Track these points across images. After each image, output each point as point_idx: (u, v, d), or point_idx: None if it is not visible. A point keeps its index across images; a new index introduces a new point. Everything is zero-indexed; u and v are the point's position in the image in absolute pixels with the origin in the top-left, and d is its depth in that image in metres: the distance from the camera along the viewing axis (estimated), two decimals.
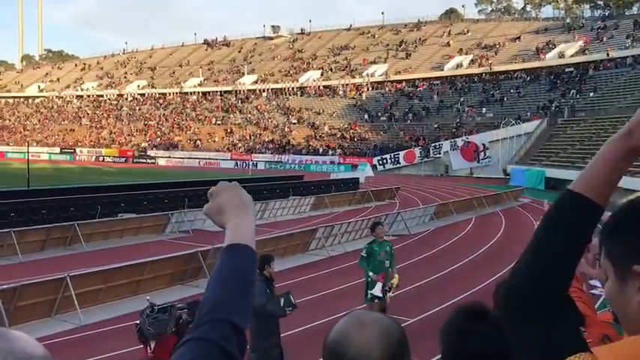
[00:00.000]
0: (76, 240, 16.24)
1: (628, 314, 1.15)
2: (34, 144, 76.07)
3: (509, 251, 16.87)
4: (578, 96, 53.97)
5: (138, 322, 5.47)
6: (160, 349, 5.43)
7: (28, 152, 38.39)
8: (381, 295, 8.92)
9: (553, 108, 53.09)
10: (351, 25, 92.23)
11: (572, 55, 60.87)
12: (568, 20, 71.38)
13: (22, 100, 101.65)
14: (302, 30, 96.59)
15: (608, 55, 56.62)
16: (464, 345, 1.63)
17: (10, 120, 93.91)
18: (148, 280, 11.65)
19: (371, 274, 8.96)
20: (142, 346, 5.62)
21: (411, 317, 10.21)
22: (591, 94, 52.89)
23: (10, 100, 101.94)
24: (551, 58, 62.13)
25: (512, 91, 60.53)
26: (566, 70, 59.44)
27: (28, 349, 0.88)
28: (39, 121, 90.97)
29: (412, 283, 12.84)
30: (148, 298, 5.95)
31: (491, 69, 64.77)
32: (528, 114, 53.94)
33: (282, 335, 6.70)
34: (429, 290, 12.44)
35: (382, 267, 8.99)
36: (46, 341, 8.80)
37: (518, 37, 70.35)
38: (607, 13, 72.81)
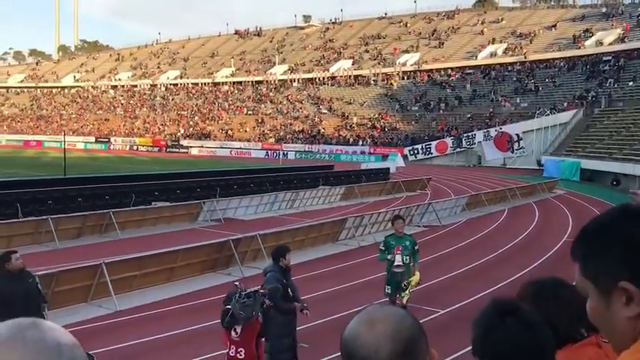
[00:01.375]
0: (111, 228, 16.58)
1: (615, 330, 1.13)
2: (70, 133, 77.62)
3: (542, 243, 16.63)
4: (616, 85, 52.59)
5: (228, 306, 5.66)
6: (247, 333, 5.75)
7: (64, 141, 39.19)
8: (401, 264, 8.85)
9: (590, 98, 51.86)
10: (383, 15, 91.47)
11: (610, 44, 59.29)
12: (606, 8, 69.41)
13: (58, 90, 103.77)
14: (334, 19, 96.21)
15: None
16: (491, 340, 1.61)
17: (47, 110, 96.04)
18: (180, 267, 11.83)
19: (389, 256, 8.95)
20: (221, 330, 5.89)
21: (442, 309, 10.15)
22: (630, 83, 51.49)
23: (47, 90, 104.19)
24: (588, 47, 60.63)
25: (547, 80, 59.31)
26: (604, 58, 57.93)
27: (58, 337, 0.93)
28: (75, 110, 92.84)
29: (443, 275, 12.76)
30: (236, 283, 6.14)
31: (525, 58, 63.53)
32: (564, 104, 52.83)
33: (312, 325, 6.73)
34: (459, 282, 12.34)
35: (391, 262, 8.97)
36: (81, 326, 9.04)
37: (554, 25, 68.80)
38: None
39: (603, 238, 1.14)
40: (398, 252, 8.89)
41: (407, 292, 8.92)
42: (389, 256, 8.95)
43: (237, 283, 6.07)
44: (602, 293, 1.13)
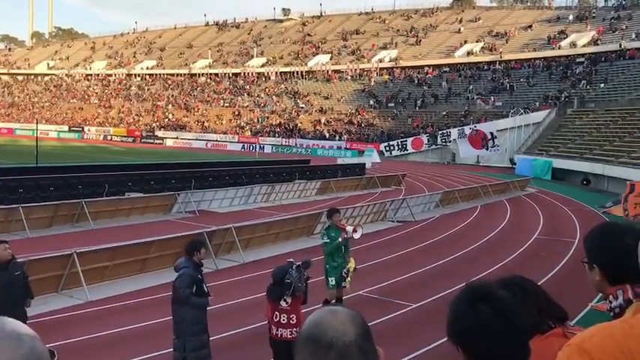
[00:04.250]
0: (83, 217, 16.39)
1: None
2: (43, 121, 76.28)
3: (514, 240, 16.92)
4: (588, 87, 53.54)
5: (288, 280, 6.55)
6: (296, 303, 6.67)
7: (37, 130, 38.58)
8: (359, 236, 9.14)
9: (563, 98, 52.73)
10: (362, 10, 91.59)
11: (584, 46, 60.31)
12: (579, 11, 70.53)
13: (31, 77, 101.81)
14: (313, 13, 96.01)
15: (620, 46, 56.06)
16: (461, 325, 1.62)
17: (19, 97, 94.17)
18: (153, 258, 11.77)
19: (348, 228, 9.09)
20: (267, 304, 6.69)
21: (414, 303, 10.29)
22: (602, 85, 52.47)
23: (20, 77, 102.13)
24: (562, 48, 61.59)
25: (522, 80, 60.11)
26: (578, 60, 58.92)
27: (18, 328, 1.00)
28: (48, 99, 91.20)
29: (415, 270, 12.91)
30: (290, 259, 6.91)
31: (501, 57, 64.28)
32: (537, 104, 53.63)
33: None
34: (431, 277, 12.50)
35: (340, 252, 9.11)
36: (52, 316, 8.96)
37: (530, 26, 69.70)
38: (621, 3, 71.89)
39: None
40: (344, 235, 9.04)
41: (348, 279, 9.10)
42: (347, 235, 9.04)
43: (291, 260, 6.90)
44: None
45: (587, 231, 2.16)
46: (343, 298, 9.33)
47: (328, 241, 9.05)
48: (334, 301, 9.11)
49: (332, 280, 9.05)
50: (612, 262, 1.93)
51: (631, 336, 1.45)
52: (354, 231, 9.10)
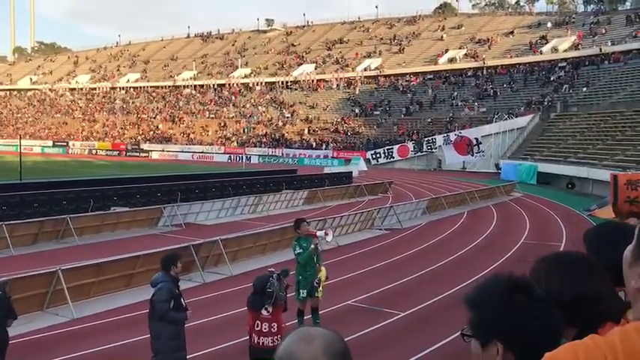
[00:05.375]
0: (68, 233, 16.21)
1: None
2: (27, 137, 75.64)
3: (501, 245, 16.99)
4: (570, 91, 54.13)
5: (269, 289, 6.69)
6: (276, 312, 6.79)
7: (20, 145, 38.18)
8: (331, 239, 9.49)
9: (546, 103, 53.26)
10: (345, 20, 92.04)
11: (565, 50, 61.03)
12: (559, 16, 71.45)
13: (14, 92, 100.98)
14: (297, 24, 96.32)
15: (600, 50, 56.80)
16: (507, 318, 1.49)
17: (2, 113, 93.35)
18: (140, 273, 11.63)
19: (319, 233, 9.34)
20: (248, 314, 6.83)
21: (402, 311, 10.27)
22: (584, 89, 53.08)
23: (2, 93, 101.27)
24: (544, 53, 62.27)
25: (505, 85, 60.65)
26: (559, 65, 59.60)
27: None
28: (32, 114, 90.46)
29: (403, 277, 12.90)
30: (271, 269, 7.09)
31: (484, 63, 64.86)
32: (521, 109, 54.11)
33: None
34: (420, 284, 12.50)
35: (312, 262, 9.10)
36: (37, 335, 8.83)
37: (512, 32, 70.45)
38: (600, 8, 72.96)
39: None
40: (316, 240, 9.13)
41: (320, 288, 9.11)
42: (320, 239, 9.15)
43: (272, 269, 7.03)
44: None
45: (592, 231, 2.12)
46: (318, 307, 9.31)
47: (301, 251, 9.02)
48: (308, 309, 9.14)
49: (303, 293, 9.02)
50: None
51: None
52: (326, 234, 9.18)
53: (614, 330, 1.12)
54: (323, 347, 1.20)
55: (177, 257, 6.80)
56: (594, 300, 1.73)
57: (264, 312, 6.68)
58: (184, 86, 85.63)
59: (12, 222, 15.48)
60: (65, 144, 77.06)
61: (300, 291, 9.04)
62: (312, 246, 8.97)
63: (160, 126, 76.06)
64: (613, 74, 52.41)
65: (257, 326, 6.72)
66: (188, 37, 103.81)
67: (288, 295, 7.35)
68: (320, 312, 9.33)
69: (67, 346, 8.47)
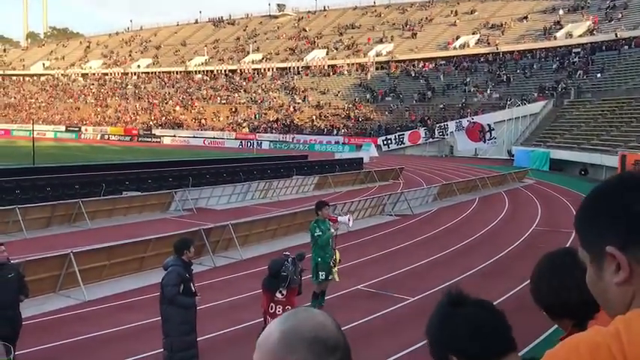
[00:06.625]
0: (80, 217, 16.36)
1: (609, 299, 1.13)
2: (40, 122, 76.06)
3: (512, 232, 16.93)
4: (585, 77, 53.48)
5: (284, 273, 6.85)
6: (290, 295, 6.91)
7: (33, 130, 38.37)
8: (351, 224, 9.84)
9: (559, 89, 52.68)
10: (357, 5, 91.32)
11: (580, 36, 60.19)
12: (575, 0, 70.34)
13: (27, 78, 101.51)
14: (308, 9, 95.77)
15: (616, 35, 55.95)
16: (443, 330, 1.59)
17: (15, 98, 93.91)
18: (151, 257, 11.73)
19: (341, 218, 9.72)
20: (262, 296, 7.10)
21: (412, 296, 10.28)
22: (598, 75, 52.40)
23: (15, 78, 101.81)
24: (558, 39, 61.47)
25: (518, 71, 60.03)
26: (574, 50, 58.83)
27: None
28: (44, 99, 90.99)
29: (413, 263, 12.91)
30: (286, 253, 7.32)
31: (497, 49, 64.17)
32: (534, 95, 53.57)
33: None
34: (430, 270, 12.50)
35: (329, 245, 9.16)
36: (49, 316, 8.94)
37: (525, 17, 69.55)
38: None
39: (596, 206, 1.15)
40: (337, 225, 9.35)
41: (335, 269, 9.24)
42: (341, 224, 9.39)
43: (287, 253, 7.21)
44: (595, 261, 1.14)
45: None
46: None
47: (321, 233, 9.03)
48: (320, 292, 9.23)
49: (322, 275, 9.05)
50: None
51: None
52: (349, 219, 9.28)
53: (616, 319, 1.10)
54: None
55: (190, 242, 6.85)
56: (577, 289, 1.75)
57: (278, 295, 6.82)
58: (196, 72, 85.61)
59: (25, 205, 15.65)
60: (78, 129, 77.50)
61: (320, 273, 9.07)
62: (332, 230, 9.01)
63: (177, 109, 76.21)
64: (628, 60, 51.65)
65: (271, 309, 6.85)
66: (198, 22, 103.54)
67: (303, 279, 7.39)
68: (329, 296, 9.37)
69: (79, 327, 8.58)
